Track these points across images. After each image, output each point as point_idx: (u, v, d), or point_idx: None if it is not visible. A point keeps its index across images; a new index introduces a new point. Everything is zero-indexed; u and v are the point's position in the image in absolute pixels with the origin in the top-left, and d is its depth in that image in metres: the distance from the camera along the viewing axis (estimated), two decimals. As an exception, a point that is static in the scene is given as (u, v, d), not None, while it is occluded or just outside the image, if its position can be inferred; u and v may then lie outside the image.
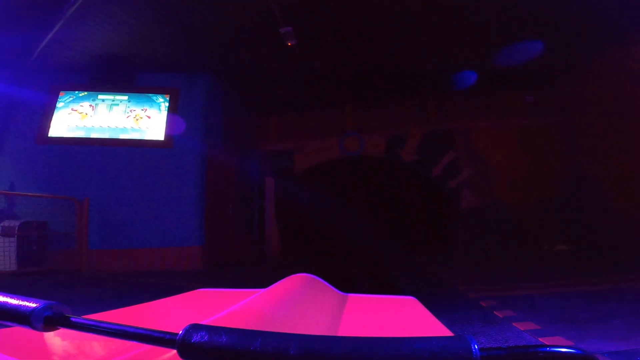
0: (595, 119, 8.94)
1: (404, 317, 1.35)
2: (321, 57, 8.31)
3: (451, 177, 10.47)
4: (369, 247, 10.56)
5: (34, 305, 0.48)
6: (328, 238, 10.83)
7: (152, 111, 8.05)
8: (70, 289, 5.60)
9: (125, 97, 8.04)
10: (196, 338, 0.41)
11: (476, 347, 0.38)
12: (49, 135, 7.69)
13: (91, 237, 7.19)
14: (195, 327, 0.43)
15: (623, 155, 8.14)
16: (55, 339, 0.82)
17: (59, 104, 7.83)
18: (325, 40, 7.64)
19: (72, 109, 7.86)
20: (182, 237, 7.72)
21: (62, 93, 7.86)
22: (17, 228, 6.39)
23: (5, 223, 6.48)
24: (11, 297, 0.50)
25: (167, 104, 8.11)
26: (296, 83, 9.51)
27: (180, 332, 0.42)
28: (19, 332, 0.83)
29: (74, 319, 0.48)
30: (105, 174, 7.66)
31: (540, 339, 3.28)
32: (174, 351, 0.43)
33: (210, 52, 7.76)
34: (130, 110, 8.01)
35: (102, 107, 7.97)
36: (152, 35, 6.89)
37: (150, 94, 8.10)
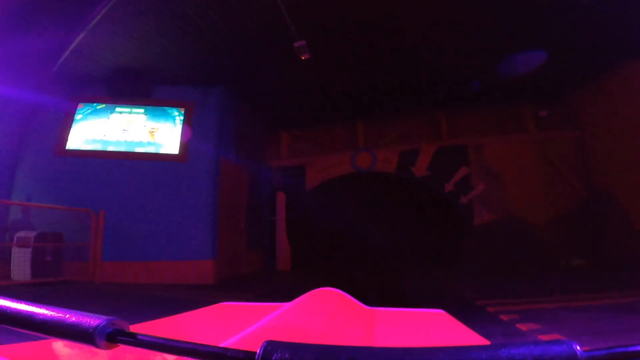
0: (609, 133, 8.89)
1: (441, 329, 1.32)
2: (333, 73, 8.43)
3: (464, 193, 10.39)
4: (381, 262, 10.43)
5: (96, 322, 0.46)
6: (339, 253, 10.73)
7: (167, 124, 8.18)
8: (83, 300, 5.58)
9: (142, 110, 8.19)
10: (276, 356, 0.39)
11: (579, 347, 0.38)
12: (67, 147, 7.83)
13: (105, 249, 7.20)
14: (273, 345, 0.40)
15: (637, 168, 8.04)
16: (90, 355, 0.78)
17: (77, 116, 7.99)
18: (338, 56, 7.77)
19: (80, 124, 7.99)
20: (195, 251, 7.70)
21: (80, 105, 8.03)
22: (32, 239, 6.42)
23: (21, 234, 6.51)
24: (67, 313, 0.48)
25: (182, 118, 8.24)
26: (308, 98, 9.64)
27: (259, 350, 0.40)
28: (36, 346, 0.81)
29: (140, 337, 0.47)
30: (120, 187, 7.73)
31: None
32: None
33: (224, 67, 7.91)
34: (147, 124, 8.15)
35: (119, 120, 8.12)
36: (170, 49, 7.05)
37: (166, 107, 8.25)
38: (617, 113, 8.53)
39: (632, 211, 8.40)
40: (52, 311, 0.48)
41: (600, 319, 4.20)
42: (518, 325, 4.18)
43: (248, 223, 9.82)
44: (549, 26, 6.69)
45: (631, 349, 0.38)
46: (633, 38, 7.12)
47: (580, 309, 4.79)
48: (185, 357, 0.45)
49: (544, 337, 3.65)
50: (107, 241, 7.27)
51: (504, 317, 4.62)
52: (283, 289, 7.25)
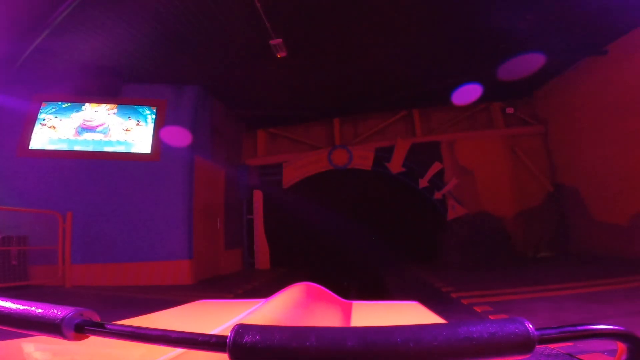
0: (571, 128, 9.32)
1: (416, 320, 1.33)
2: (309, 71, 8.41)
3: (437, 188, 10.62)
4: (358, 258, 10.53)
5: (63, 312, 0.44)
6: (317, 251, 10.76)
7: (138, 123, 7.94)
8: (50, 303, 5.36)
9: (111, 109, 7.90)
10: (248, 338, 0.39)
11: (531, 326, 0.39)
12: (30, 147, 7.47)
13: (74, 251, 6.92)
14: (244, 327, 0.40)
15: (599, 162, 8.45)
16: (70, 349, 0.77)
17: (41, 115, 7.62)
18: (314, 54, 7.75)
19: (44, 124, 7.62)
20: (170, 251, 7.54)
21: (44, 104, 7.66)
22: (-4, 243, 6.13)
23: (-16, 238, 6.21)
24: (33, 305, 0.46)
25: (154, 116, 8.01)
26: (285, 96, 9.58)
27: (230, 333, 0.40)
28: (23, 343, 0.79)
29: (109, 326, 0.45)
30: (89, 187, 7.45)
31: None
32: (206, 354, 0.40)
33: (198, 64, 7.74)
34: (116, 122, 7.87)
35: (86, 119, 7.80)
36: (139, 46, 6.82)
37: (136, 106, 8.00)
38: (578, 109, 8.93)
39: (593, 204, 8.83)
40: (18, 304, 0.46)
41: (567, 309, 4.40)
42: (491, 317, 4.32)
43: (225, 222, 9.69)
44: (513, 27, 6.89)
45: (579, 327, 0.41)
46: (591, 36, 7.47)
47: (549, 299, 4.99)
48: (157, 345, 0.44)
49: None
50: (76, 244, 6.98)
51: (477, 309, 4.77)
52: (262, 288, 7.20)
